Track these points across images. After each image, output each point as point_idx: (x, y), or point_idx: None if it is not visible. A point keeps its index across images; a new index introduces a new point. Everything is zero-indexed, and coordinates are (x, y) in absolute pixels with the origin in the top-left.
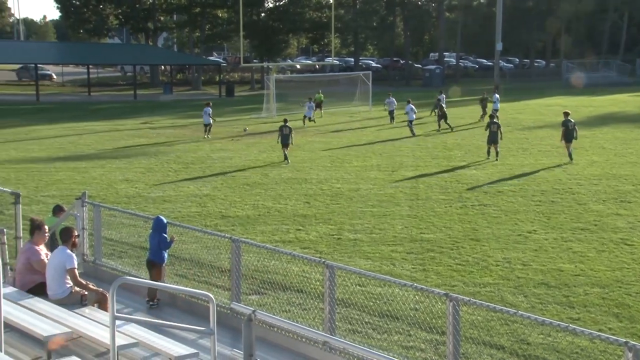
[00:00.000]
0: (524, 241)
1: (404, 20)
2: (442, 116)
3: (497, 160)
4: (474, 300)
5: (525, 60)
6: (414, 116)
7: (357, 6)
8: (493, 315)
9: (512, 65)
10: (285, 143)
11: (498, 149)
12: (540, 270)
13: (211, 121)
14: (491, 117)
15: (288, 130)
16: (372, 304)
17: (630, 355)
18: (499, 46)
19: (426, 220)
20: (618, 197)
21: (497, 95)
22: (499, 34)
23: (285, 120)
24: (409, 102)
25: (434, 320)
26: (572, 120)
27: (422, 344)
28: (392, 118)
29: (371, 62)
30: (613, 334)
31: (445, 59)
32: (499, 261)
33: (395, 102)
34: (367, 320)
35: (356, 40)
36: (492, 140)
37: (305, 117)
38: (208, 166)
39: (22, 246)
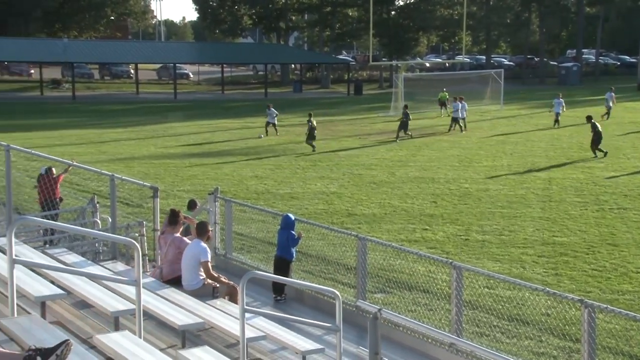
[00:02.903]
0: None
1: (539, 16)
2: (402, 125)
3: (596, 156)
4: (612, 307)
5: None
6: (465, 114)
7: (490, 2)
8: (633, 324)
9: None
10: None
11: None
12: None
13: (275, 121)
14: (588, 118)
15: (314, 124)
16: (500, 307)
17: None
18: None
19: (559, 223)
20: None
21: None
22: None
23: (310, 115)
24: (458, 100)
25: (567, 327)
26: None
27: (554, 350)
28: (556, 121)
29: (503, 59)
30: None
31: (584, 55)
32: (639, 268)
33: (564, 102)
34: (495, 323)
35: (488, 37)
36: (599, 140)
37: (459, 119)
38: (335, 164)
39: (160, 237)
